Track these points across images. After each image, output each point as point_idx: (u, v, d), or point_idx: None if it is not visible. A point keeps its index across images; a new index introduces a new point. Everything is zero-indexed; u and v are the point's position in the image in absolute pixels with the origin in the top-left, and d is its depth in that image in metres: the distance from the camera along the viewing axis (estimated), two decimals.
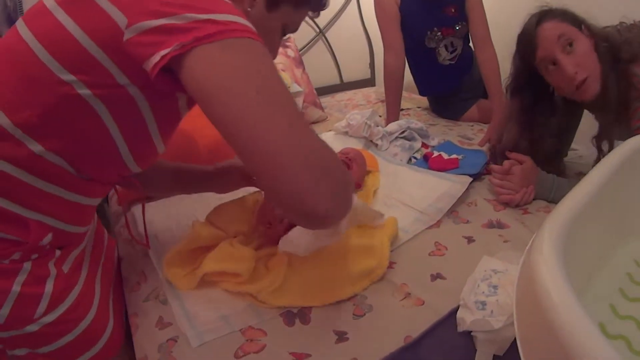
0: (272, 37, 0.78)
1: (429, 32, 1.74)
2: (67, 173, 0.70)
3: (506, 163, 1.19)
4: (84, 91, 0.62)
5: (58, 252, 0.75)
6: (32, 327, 0.70)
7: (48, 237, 0.71)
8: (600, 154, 1.11)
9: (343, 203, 0.58)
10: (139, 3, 0.56)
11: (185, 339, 0.78)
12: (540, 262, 0.56)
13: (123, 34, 0.57)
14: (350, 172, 1.19)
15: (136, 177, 0.90)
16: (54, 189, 0.70)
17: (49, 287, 0.71)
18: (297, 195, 0.51)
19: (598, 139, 1.11)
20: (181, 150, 1.25)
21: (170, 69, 0.56)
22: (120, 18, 0.57)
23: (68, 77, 0.61)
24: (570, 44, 1.03)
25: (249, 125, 0.51)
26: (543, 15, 1.08)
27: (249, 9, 0.72)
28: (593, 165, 1.10)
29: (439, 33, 1.74)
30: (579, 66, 1.03)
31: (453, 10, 1.70)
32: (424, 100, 2.15)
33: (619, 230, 0.94)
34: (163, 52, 0.53)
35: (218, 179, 1.04)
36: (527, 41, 1.11)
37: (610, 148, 1.09)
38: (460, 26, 1.74)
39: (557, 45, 1.04)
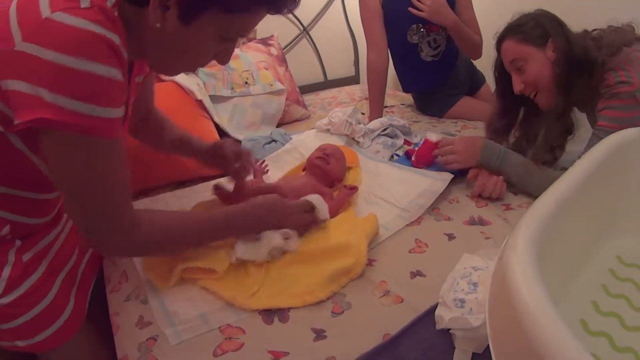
0: (201, 48, 0.74)
1: (410, 28, 1.74)
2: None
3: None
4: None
5: (19, 242, 0.80)
6: None
7: (6, 229, 0.78)
8: (549, 156, 1.18)
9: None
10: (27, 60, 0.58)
11: (164, 338, 0.78)
12: (513, 260, 0.55)
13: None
14: (329, 167, 1.19)
15: (140, 133, 1.10)
16: (8, 190, 0.76)
17: (5, 273, 0.78)
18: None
19: (550, 144, 1.19)
20: None
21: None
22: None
23: None
24: (521, 66, 1.16)
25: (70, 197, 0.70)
26: (506, 33, 1.19)
27: (157, 25, 0.67)
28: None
29: (423, 29, 1.74)
30: (526, 83, 1.17)
31: None
32: (408, 98, 2.15)
33: (602, 227, 0.94)
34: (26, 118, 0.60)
35: (211, 158, 1.14)
36: (497, 52, 1.24)
37: (561, 154, 1.20)
38: None
39: (511, 66, 1.19)
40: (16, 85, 0.59)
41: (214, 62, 0.80)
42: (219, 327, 0.79)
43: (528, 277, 0.51)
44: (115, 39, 0.62)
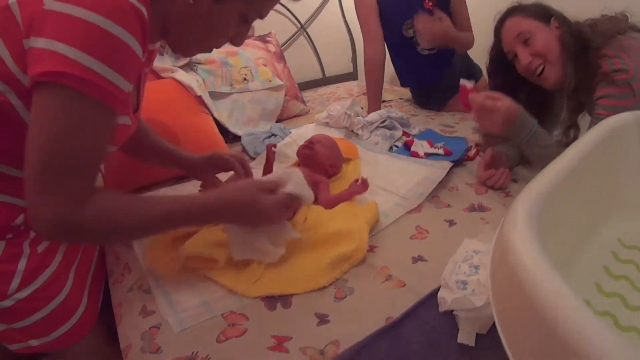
0: (224, 28, 0.76)
1: (406, 21, 1.75)
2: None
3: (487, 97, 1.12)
4: (17, 102, 0.66)
5: (32, 233, 0.79)
6: (7, 303, 0.75)
7: (20, 218, 0.76)
8: (565, 139, 1.14)
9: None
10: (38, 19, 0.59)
11: (167, 326, 0.78)
12: (513, 234, 0.55)
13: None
14: (314, 153, 1.18)
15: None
16: (18, 173, 0.72)
17: (21, 265, 0.76)
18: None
19: (561, 125, 1.17)
20: None
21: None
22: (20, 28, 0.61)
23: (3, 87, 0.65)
24: (528, 39, 1.12)
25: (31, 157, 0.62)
26: (508, 13, 1.18)
27: (190, 1, 0.69)
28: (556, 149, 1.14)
29: None
30: (534, 55, 1.12)
31: (430, 3, 1.71)
32: (406, 92, 2.15)
33: (601, 210, 0.94)
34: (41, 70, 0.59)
35: (191, 169, 1.11)
36: (497, 35, 1.22)
37: (576, 135, 1.14)
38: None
39: (516, 40, 1.15)
40: (39, 42, 0.58)
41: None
42: (222, 314, 0.79)
43: (531, 250, 0.51)
44: (144, 12, 0.63)
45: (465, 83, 1.15)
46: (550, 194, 0.71)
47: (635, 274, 0.83)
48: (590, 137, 0.87)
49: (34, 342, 0.81)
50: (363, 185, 1.08)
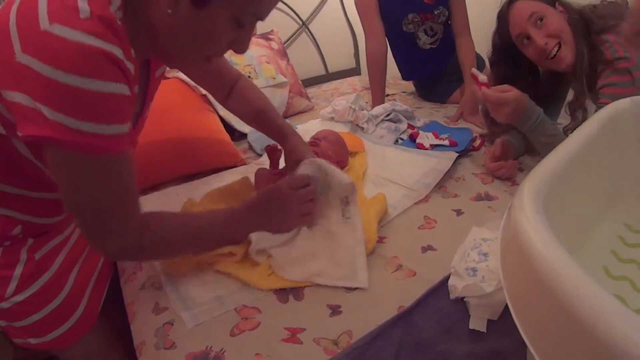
0: (215, 35, 0.68)
1: (405, 18, 1.75)
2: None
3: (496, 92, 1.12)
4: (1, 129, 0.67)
5: (31, 240, 0.80)
6: (4, 305, 0.78)
7: (17, 229, 0.78)
8: (574, 122, 1.14)
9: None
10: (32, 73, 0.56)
11: (181, 322, 0.78)
12: (521, 217, 0.55)
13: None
14: (320, 150, 1.18)
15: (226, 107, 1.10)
16: (16, 190, 0.75)
17: (18, 270, 0.78)
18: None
19: (571, 107, 1.15)
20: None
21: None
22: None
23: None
24: (541, 19, 1.11)
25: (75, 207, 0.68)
26: None
27: (169, 11, 0.63)
28: (564, 132, 1.13)
29: (417, 18, 1.75)
30: (550, 36, 1.10)
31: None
32: (410, 85, 2.15)
33: (608, 194, 0.95)
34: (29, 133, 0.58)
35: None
36: (502, 20, 1.20)
37: (584, 116, 1.13)
38: (439, 11, 1.74)
39: (529, 22, 1.13)
40: (18, 97, 0.56)
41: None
42: (235, 308, 0.80)
43: (540, 232, 0.51)
44: (117, 51, 0.59)
45: (478, 74, 1.14)
46: (556, 178, 0.71)
47: None
48: (591, 123, 0.88)
49: (32, 341, 0.84)
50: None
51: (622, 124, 0.92)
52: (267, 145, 1.14)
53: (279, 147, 1.10)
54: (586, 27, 1.08)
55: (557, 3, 1.13)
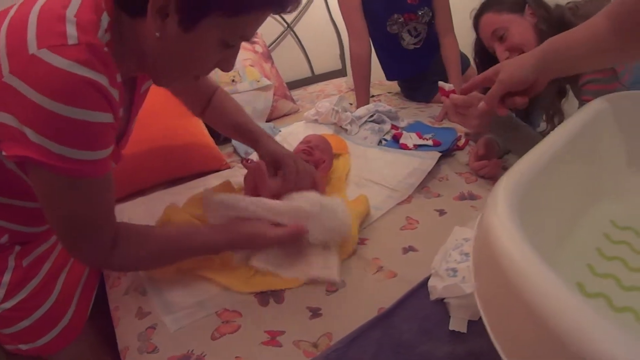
0: (203, 56, 0.71)
1: (389, 18, 1.75)
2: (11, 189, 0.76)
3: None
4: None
5: (18, 248, 0.81)
6: None
7: (4, 238, 0.79)
8: (549, 126, 1.15)
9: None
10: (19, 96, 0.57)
11: (163, 326, 0.79)
12: (494, 218, 0.55)
13: None
14: (314, 160, 1.18)
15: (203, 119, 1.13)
16: (2, 199, 0.76)
17: (6, 278, 0.79)
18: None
19: (547, 112, 1.18)
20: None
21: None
22: None
23: None
24: (503, 35, 1.14)
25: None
26: (482, 8, 1.18)
27: (157, 35, 0.64)
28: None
29: (401, 19, 1.76)
30: (511, 50, 1.13)
31: None
32: (395, 86, 2.16)
33: (592, 190, 0.95)
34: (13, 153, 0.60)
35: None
36: (476, 30, 1.24)
37: (560, 121, 1.14)
38: (422, 11, 1.75)
39: (492, 38, 1.16)
40: (4, 117, 0.58)
41: None
42: (216, 312, 0.80)
43: (510, 231, 0.51)
44: (103, 79, 0.60)
45: (443, 85, 1.15)
46: (534, 176, 0.71)
47: (629, 255, 0.83)
48: (572, 121, 0.88)
49: (23, 347, 0.84)
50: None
51: (604, 121, 0.93)
52: (241, 160, 1.15)
53: (248, 158, 1.10)
54: (562, 30, 1.08)
55: (527, 6, 1.13)
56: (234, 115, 1.11)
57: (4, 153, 0.60)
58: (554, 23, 1.08)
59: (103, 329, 0.97)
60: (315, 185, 1.04)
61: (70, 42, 0.57)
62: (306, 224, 0.85)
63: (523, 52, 1.11)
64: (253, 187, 1.00)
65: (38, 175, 0.64)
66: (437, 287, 0.75)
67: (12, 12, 0.61)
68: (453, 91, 1.11)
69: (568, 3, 1.15)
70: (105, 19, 0.63)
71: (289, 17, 2.38)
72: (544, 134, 1.15)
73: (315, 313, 0.77)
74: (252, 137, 1.10)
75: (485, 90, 1.01)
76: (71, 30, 0.58)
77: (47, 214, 0.69)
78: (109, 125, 0.65)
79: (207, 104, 1.08)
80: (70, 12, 0.59)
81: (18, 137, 0.58)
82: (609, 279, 0.78)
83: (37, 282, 0.83)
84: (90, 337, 0.96)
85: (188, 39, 0.65)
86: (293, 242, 0.87)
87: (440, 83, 1.16)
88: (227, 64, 0.76)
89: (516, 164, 0.71)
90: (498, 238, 0.51)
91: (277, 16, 2.32)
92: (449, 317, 0.73)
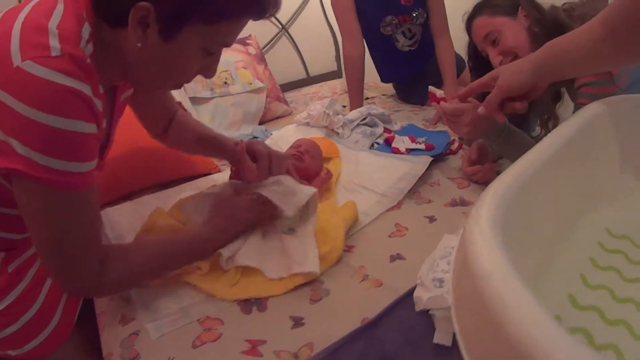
0: (185, 64, 0.73)
1: (383, 20, 1.74)
2: None
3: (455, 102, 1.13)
4: None
5: (2, 254, 0.81)
6: None
7: None
8: (544, 131, 1.13)
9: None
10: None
11: (146, 332, 0.78)
12: (475, 231, 0.51)
13: None
14: (304, 165, 1.18)
15: (164, 138, 1.08)
16: None
17: None
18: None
19: (540, 117, 1.16)
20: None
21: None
22: None
23: None
24: (495, 38, 1.12)
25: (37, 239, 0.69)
26: (475, 12, 1.16)
27: (138, 45, 0.66)
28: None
29: (395, 20, 1.74)
30: (503, 53, 1.12)
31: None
32: (389, 88, 2.14)
33: (588, 196, 0.93)
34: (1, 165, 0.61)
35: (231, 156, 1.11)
36: (469, 34, 1.22)
37: (555, 125, 1.12)
38: (417, 13, 1.73)
39: (485, 42, 1.15)
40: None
41: None
42: (198, 319, 0.79)
43: (491, 248, 0.48)
44: (86, 89, 0.61)
45: (435, 91, 1.17)
46: (525, 183, 0.69)
47: (624, 265, 0.81)
48: (567, 125, 0.86)
49: (11, 352, 0.83)
50: (326, 176, 1.15)
51: (598, 127, 0.91)
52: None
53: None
54: (557, 32, 1.06)
55: (520, 8, 1.11)
56: (198, 129, 1.11)
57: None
58: (547, 25, 1.06)
59: (90, 334, 0.96)
60: (290, 173, 1.06)
61: (54, 53, 0.58)
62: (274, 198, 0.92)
63: (517, 55, 1.11)
64: (236, 171, 1.07)
65: (22, 187, 0.64)
66: (423, 298, 0.73)
67: None
68: (443, 98, 1.11)
69: (564, 4, 1.14)
70: (86, 30, 0.64)
71: (284, 18, 2.37)
72: (537, 139, 1.13)
73: (297, 322, 0.76)
74: (218, 143, 1.11)
75: (481, 96, 1.00)
76: (54, 42, 0.59)
77: (32, 233, 0.68)
78: (93, 136, 0.65)
79: (169, 122, 1.07)
80: (53, 23, 0.60)
81: (3, 149, 0.59)
82: (602, 290, 0.76)
83: (23, 287, 0.82)
84: (78, 341, 0.95)
85: (169, 47, 0.67)
86: (264, 211, 0.93)
87: (431, 88, 1.16)
88: (208, 71, 0.78)
89: (505, 172, 0.70)
90: (478, 256, 0.48)
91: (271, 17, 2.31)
92: (434, 329, 0.71)
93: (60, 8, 0.63)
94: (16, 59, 0.57)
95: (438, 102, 1.12)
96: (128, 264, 0.77)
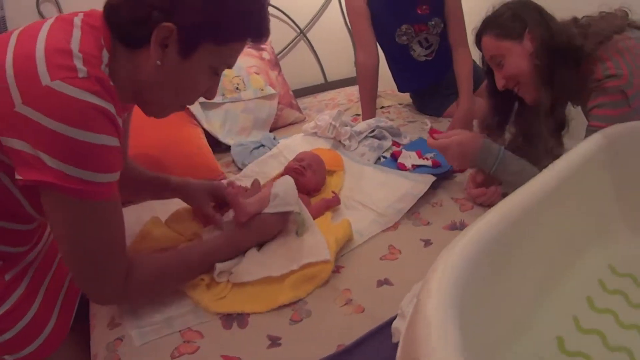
0: (195, 84, 0.79)
1: (398, 29, 1.70)
2: None
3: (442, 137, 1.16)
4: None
5: (0, 262, 0.82)
6: None
7: None
8: (547, 160, 1.10)
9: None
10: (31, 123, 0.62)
11: (130, 338, 0.80)
12: (428, 308, 0.47)
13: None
14: (305, 180, 1.17)
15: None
16: None
17: None
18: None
19: (542, 146, 1.12)
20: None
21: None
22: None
23: None
24: (500, 62, 1.11)
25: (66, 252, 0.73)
26: (483, 28, 1.14)
27: (158, 63, 0.72)
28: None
29: (411, 30, 1.71)
30: (507, 79, 1.12)
31: (424, 7, 1.66)
32: (406, 97, 2.11)
33: (587, 234, 0.90)
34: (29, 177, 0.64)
35: (185, 193, 1.11)
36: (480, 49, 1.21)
37: (560, 154, 1.09)
38: (433, 22, 1.70)
39: (491, 62, 1.15)
40: (17, 144, 0.62)
41: None
42: (180, 331, 0.81)
43: (442, 330, 0.44)
44: (111, 108, 0.67)
45: (427, 123, 1.22)
46: (515, 222, 0.69)
47: (621, 307, 0.79)
48: (563, 162, 0.84)
49: (8, 357, 0.85)
50: (334, 200, 1.13)
51: (599, 160, 0.89)
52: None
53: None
54: (569, 54, 1.02)
55: (527, 30, 1.06)
56: (146, 172, 1.12)
57: (19, 177, 0.64)
58: (556, 49, 1.02)
59: (87, 338, 0.97)
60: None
61: (81, 75, 0.63)
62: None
63: (518, 83, 1.11)
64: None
65: (52, 200, 0.67)
66: (401, 329, 0.71)
67: (12, 46, 0.65)
68: (435, 131, 1.16)
69: (582, 17, 1.09)
70: (105, 55, 0.70)
71: (302, 22, 2.36)
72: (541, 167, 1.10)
73: (274, 342, 0.76)
74: (163, 181, 1.11)
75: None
76: (80, 65, 0.64)
77: (62, 244, 0.71)
78: (117, 149, 0.70)
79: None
80: (74, 47, 0.66)
81: (32, 163, 0.62)
82: (594, 335, 0.74)
83: (19, 294, 0.84)
84: (75, 346, 0.96)
85: (185, 66, 0.74)
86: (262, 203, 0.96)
87: (426, 121, 1.23)
88: (211, 93, 0.84)
89: (488, 212, 0.68)
90: (425, 338, 0.44)
91: (289, 21, 2.31)
92: None
93: (77, 33, 0.68)
94: (45, 79, 0.61)
95: (432, 135, 1.16)
96: (153, 271, 0.82)
